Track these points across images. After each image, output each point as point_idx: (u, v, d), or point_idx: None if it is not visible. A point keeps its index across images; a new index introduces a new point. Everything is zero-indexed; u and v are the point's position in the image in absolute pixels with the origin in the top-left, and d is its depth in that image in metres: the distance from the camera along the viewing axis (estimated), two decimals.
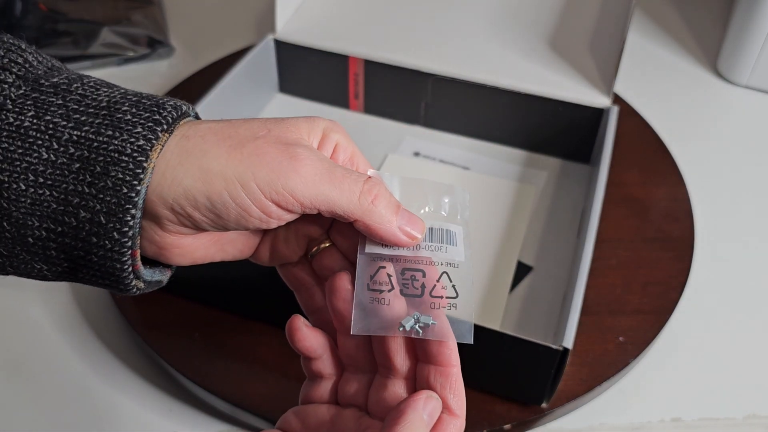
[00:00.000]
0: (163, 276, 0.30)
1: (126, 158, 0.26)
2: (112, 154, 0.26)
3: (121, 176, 0.26)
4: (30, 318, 0.53)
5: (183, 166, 0.26)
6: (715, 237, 0.58)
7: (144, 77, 0.74)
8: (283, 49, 0.65)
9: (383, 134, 0.65)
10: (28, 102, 0.26)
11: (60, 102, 0.26)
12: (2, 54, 0.27)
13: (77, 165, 0.26)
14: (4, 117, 0.26)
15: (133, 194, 0.26)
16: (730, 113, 0.72)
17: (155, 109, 0.27)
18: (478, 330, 0.41)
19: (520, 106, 0.60)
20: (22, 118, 0.26)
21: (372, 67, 0.63)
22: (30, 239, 0.27)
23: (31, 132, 0.26)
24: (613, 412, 0.48)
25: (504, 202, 0.58)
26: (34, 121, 0.26)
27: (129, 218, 0.26)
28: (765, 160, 0.66)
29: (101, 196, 0.26)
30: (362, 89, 0.65)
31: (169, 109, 0.27)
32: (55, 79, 0.27)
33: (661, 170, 0.62)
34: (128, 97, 0.27)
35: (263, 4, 0.84)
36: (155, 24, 0.77)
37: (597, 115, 0.58)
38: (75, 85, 0.27)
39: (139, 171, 0.26)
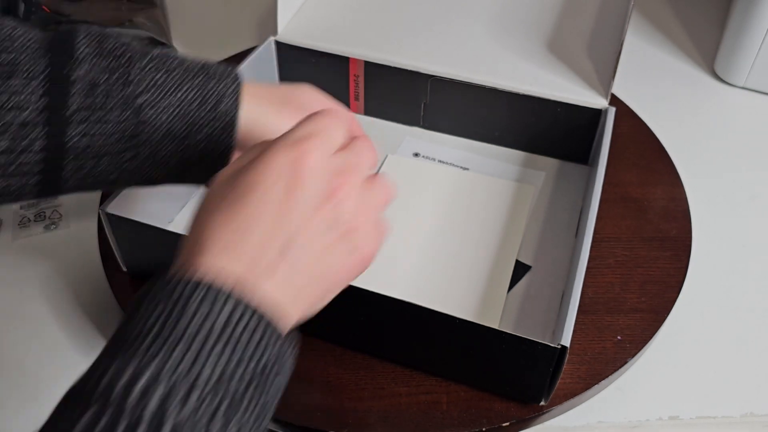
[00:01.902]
0: None
1: (228, 97, 0.41)
2: (220, 94, 0.40)
3: (227, 107, 0.40)
4: (31, 317, 0.54)
5: (252, 122, 0.42)
6: (712, 236, 0.59)
7: None
8: (284, 50, 0.65)
9: (383, 135, 0.65)
10: (157, 66, 0.39)
11: (174, 66, 0.40)
12: (116, 38, 0.39)
13: (197, 102, 0.40)
14: (147, 77, 0.38)
15: (236, 117, 0.41)
16: (727, 114, 0.72)
17: (231, 70, 0.42)
18: (477, 328, 0.42)
19: (518, 107, 0.60)
20: (158, 76, 0.39)
21: (372, 68, 0.63)
22: (160, 155, 0.40)
23: (167, 85, 0.39)
24: (611, 410, 0.48)
25: (503, 202, 0.59)
26: (166, 77, 0.39)
27: (234, 132, 0.41)
28: (762, 160, 0.66)
29: (216, 119, 0.40)
30: (362, 90, 0.65)
31: (237, 72, 0.42)
32: (157, 51, 0.40)
33: (658, 170, 0.62)
34: (207, 62, 0.42)
35: (264, 6, 0.84)
36: (158, 26, 0.77)
37: (595, 116, 0.58)
38: (170, 56, 0.40)
39: (236, 105, 0.41)
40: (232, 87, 0.41)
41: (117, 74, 0.37)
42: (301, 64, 0.66)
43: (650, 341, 0.49)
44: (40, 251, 0.58)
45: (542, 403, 0.45)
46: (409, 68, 0.61)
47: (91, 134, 0.37)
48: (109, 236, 0.51)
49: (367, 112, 0.67)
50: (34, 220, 0.61)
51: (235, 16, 0.84)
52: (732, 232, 0.60)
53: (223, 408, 0.27)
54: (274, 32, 0.65)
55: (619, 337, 0.49)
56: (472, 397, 0.46)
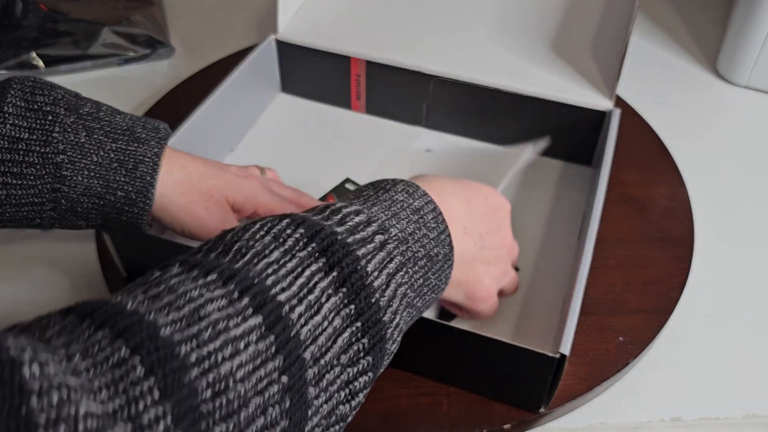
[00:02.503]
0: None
1: (148, 159, 0.43)
2: (139, 157, 0.43)
3: (145, 170, 0.43)
4: (29, 317, 0.53)
5: (164, 201, 0.45)
6: (714, 236, 0.58)
7: (144, 77, 0.74)
8: (285, 49, 0.65)
9: (384, 135, 0.65)
10: (80, 127, 0.42)
11: (98, 126, 0.42)
12: (49, 93, 0.41)
13: (115, 164, 0.42)
14: (68, 138, 0.41)
15: (153, 180, 0.43)
16: (729, 113, 0.72)
17: (156, 129, 0.45)
18: (475, 337, 0.42)
19: (522, 108, 0.60)
20: (80, 137, 0.41)
21: (374, 68, 0.63)
22: (79, 209, 0.42)
23: (86, 146, 0.42)
24: (613, 411, 0.48)
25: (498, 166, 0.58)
26: (88, 139, 0.42)
27: (150, 195, 0.43)
28: (764, 159, 0.66)
29: (133, 182, 0.43)
30: (364, 90, 0.65)
31: (163, 130, 0.45)
32: (87, 109, 0.43)
33: (660, 170, 0.62)
34: (135, 121, 0.44)
35: (263, 4, 0.84)
36: (156, 24, 0.77)
37: (599, 117, 0.58)
38: (100, 113, 0.43)
39: (156, 167, 0.43)
40: (154, 151, 0.43)
41: (38, 133, 0.40)
42: (302, 64, 0.66)
43: (652, 342, 0.49)
44: (39, 253, 0.58)
45: (541, 410, 0.45)
46: (412, 68, 0.61)
47: (9, 185, 0.40)
48: (107, 242, 0.51)
49: (369, 111, 0.67)
50: None
51: (235, 13, 0.84)
52: (734, 231, 0.59)
53: (398, 260, 0.33)
54: (275, 30, 0.64)
55: (621, 338, 0.49)
56: (473, 399, 0.46)
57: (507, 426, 0.45)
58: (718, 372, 0.50)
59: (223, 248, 0.30)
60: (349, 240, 0.31)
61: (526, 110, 0.60)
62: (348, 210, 0.34)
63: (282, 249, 0.30)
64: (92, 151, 0.41)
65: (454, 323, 0.42)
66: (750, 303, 0.54)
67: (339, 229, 0.32)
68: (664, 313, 0.51)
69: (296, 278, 0.29)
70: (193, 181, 0.46)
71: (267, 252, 0.29)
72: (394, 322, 0.32)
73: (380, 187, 0.38)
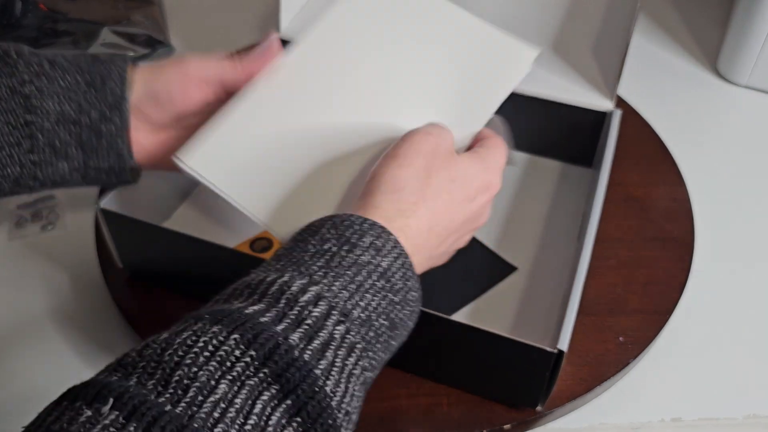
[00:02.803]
0: (139, 170, 0.45)
1: (114, 74, 0.42)
2: (105, 73, 0.42)
3: (113, 84, 0.42)
4: (28, 317, 0.53)
5: (145, 81, 0.43)
6: (715, 237, 0.58)
7: None
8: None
9: None
10: (43, 60, 0.41)
11: (61, 57, 0.42)
12: (8, 45, 0.41)
13: (83, 86, 0.41)
14: (32, 69, 0.40)
15: (123, 92, 0.42)
16: (730, 113, 0.72)
17: (119, 55, 0.44)
18: (472, 330, 0.41)
19: (523, 108, 0.60)
20: (44, 67, 0.41)
21: None
22: (57, 143, 0.41)
23: (51, 74, 0.41)
24: (613, 411, 0.48)
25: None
26: (51, 67, 0.41)
27: (124, 108, 0.42)
28: (765, 159, 0.66)
29: (104, 98, 0.42)
30: None
31: (126, 56, 0.44)
32: (48, 50, 0.43)
33: (661, 170, 0.62)
34: (101, 54, 0.44)
35: (262, 4, 0.84)
36: (155, 24, 0.77)
37: (600, 118, 0.58)
38: (66, 54, 0.43)
39: (124, 79, 0.42)
40: (120, 66, 0.42)
41: (3, 69, 0.39)
42: None
43: (653, 342, 0.49)
44: (37, 251, 0.58)
45: (538, 408, 0.45)
46: None
47: None
48: (105, 233, 0.51)
49: None
50: (31, 221, 0.60)
51: (236, 12, 0.84)
52: (735, 232, 0.59)
53: (359, 348, 0.31)
54: (277, 29, 0.64)
55: (621, 338, 0.49)
56: (473, 399, 0.46)
57: (507, 426, 0.45)
58: (718, 372, 0.50)
59: (161, 375, 0.26)
60: (307, 356, 0.28)
61: (526, 110, 0.60)
62: (306, 298, 0.30)
63: (229, 377, 0.26)
64: (58, 76, 0.41)
65: (453, 317, 0.42)
66: (750, 303, 0.54)
67: (294, 338, 0.29)
68: (665, 314, 0.50)
69: (247, 417, 0.26)
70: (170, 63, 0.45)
71: (213, 384, 0.26)
72: (349, 421, 0.30)
73: (345, 239, 0.34)
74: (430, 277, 0.53)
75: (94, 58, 0.43)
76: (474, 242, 0.55)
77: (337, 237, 0.34)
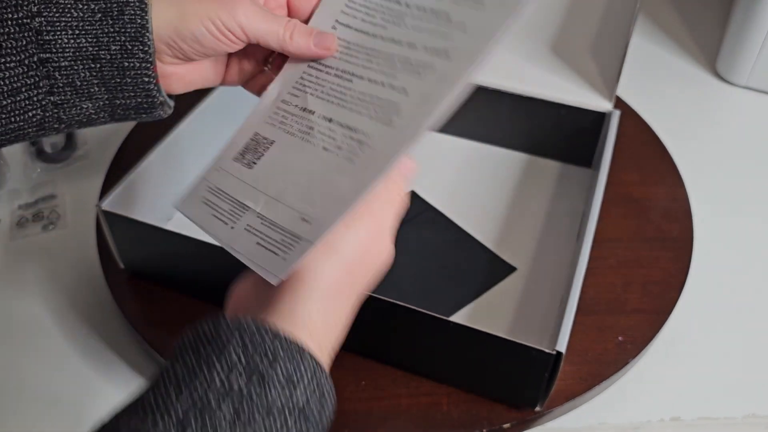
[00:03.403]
0: (170, 102, 0.41)
1: (131, 3, 0.37)
2: (122, 2, 0.37)
3: (132, 12, 0.37)
4: (29, 317, 0.53)
5: (171, 13, 0.37)
6: (713, 237, 0.58)
7: None
8: None
9: None
10: None
11: None
12: None
13: (99, 15, 0.36)
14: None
15: (145, 22, 0.37)
16: (729, 113, 0.72)
17: None
18: (471, 332, 0.42)
19: (522, 109, 0.60)
20: None
21: None
22: (77, 81, 0.37)
23: (61, 3, 0.36)
24: (612, 411, 0.48)
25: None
26: None
27: (147, 39, 0.37)
28: (763, 159, 0.66)
29: (123, 29, 0.37)
30: None
31: None
32: None
33: (660, 170, 0.62)
34: None
35: None
36: None
37: (599, 119, 0.58)
38: None
39: (144, 5, 0.37)
40: None
41: (7, 3, 0.36)
42: None
43: (652, 342, 0.49)
44: (38, 251, 0.58)
45: (537, 408, 0.45)
46: None
47: None
48: (106, 233, 0.51)
49: None
50: (32, 220, 0.61)
51: None
52: (734, 232, 0.60)
53: None
54: None
55: (620, 338, 0.49)
56: (473, 399, 0.46)
57: (506, 425, 0.45)
58: (717, 372, 0.50)
59: None
60: None
61: (526, 111, 0.60)
62: None
63: None
64: (70, 5, 0.36)
65: (452, 317, 0.42)
66: (749, 303, 0.54)
67: None
68: (664, 313, 0.51)
69: None
70: None
71: None
72: None
73: (255, 367, 0.29)
74: (430, 278, 0.53)
75: None
76: (473, 242, 0.56)
77: (246, 365, 0.29)
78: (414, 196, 0.59)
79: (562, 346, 0.41)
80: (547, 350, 0.40)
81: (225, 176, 0.41)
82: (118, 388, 0.49)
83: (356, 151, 0.37)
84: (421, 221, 0.57)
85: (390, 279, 0.52)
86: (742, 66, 0.72)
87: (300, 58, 0.41)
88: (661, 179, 0.61)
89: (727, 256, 0.58)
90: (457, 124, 0.64)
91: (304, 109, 0.40)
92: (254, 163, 0.40)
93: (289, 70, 0.42)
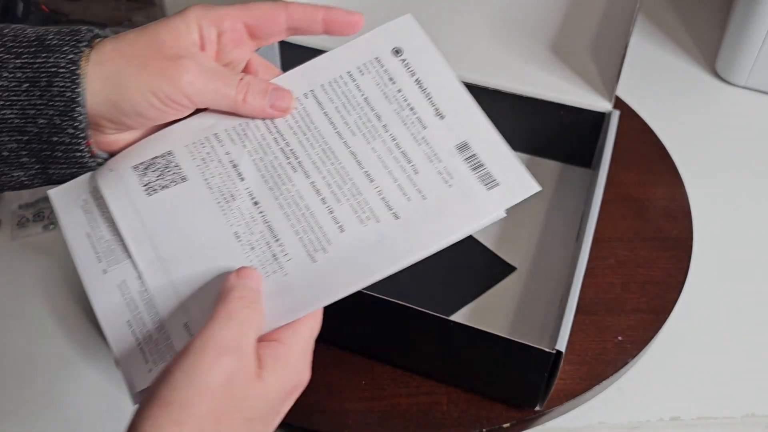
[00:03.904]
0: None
1: (63, 70, 0.33)
2: (51, 69, 0.33)
3: (62, 84, 0.33)
4: (30, 317, 0.53)
5: (108, 88, 0.34)
6: (713, 236, 0.58)
7: None
8: (287, 49, 0.65)
9: None
10: None
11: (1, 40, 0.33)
12: None
13: (26, 85, 0.33)
14: None
15: (76, 95, 0.33)
16: (728, 114, 0.72)
17: (74, 33, 0.34)
18: (471, 331, 0.42)
19: (521, 109, 0.60)
20: None
21: None
22: (4, 152, 0.34)
23: None
24: (612, 411, 0.48)
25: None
26: None
27: (77, 114, 0.33)
28: (763, 160, 0.66)
29: (51, 103, 0.33)
30: None
31: (84, 32, 0.34)
32: None
33: (659, 170, 0.62)
34: (50, 30, 0.34)
35: None
36: None
37: (598, 119, 0.58)
38: (5, 30, 0.34)
39: (76, 77, 0.33)
40: (70, 56, 0.33)
41: None
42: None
43: (651, 342, 0.49)
44: (39, 251, 0.58)
45: (537, 408, 0.45)
46: None
47: None
48: None
49: None
50: (33, 220, 0.61)
51: None
52: (733, 231, 0.60)
53: None
54: None
55: (620, 338, 0.49)
56: (473, 398, 0.46)
57: (506, 425, 0.45)
58: (717, 371, 0.50)
59: None
60: None
61: (525, 111, 0.60)
62: None
63: None
64: None
65: (452, 317, 0.42)
66: (748, 303, 0.55)
67: None
68: (663, 313, 0.51)
69: None
70: (148, 44, 0.34)
71: None
72: None
73: None
74: (430, 278, 0.53)
75: (39, 38, 0.34)
76: (473, 242, 0.56)
77: None
78: None
79: (561, 345, 0.41)
80: (546, 350, 0.41)
81: (115, 182, 0.35)
82: (119, 388, 0.49)
83: (267, 267, 0.32)
84: None
85: (390, 279, 0.52)
86: (741, 66, 0.72)
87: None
88: (660, 179, 0.61)
89: (726, 255, 0.58)
90: None
91: (235, 166, 0.35)
92: (155, 190, 0.34)
93: None
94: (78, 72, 0.33)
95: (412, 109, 0.35)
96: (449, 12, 0.67)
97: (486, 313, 0.51)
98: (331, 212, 0.33)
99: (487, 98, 0.60)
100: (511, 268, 0.54)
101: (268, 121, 0.36)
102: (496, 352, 0.42)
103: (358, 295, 0.43)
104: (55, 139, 0.34)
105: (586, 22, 0.64)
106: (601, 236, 0.54)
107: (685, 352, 0.51)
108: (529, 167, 0.61)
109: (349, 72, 0.37)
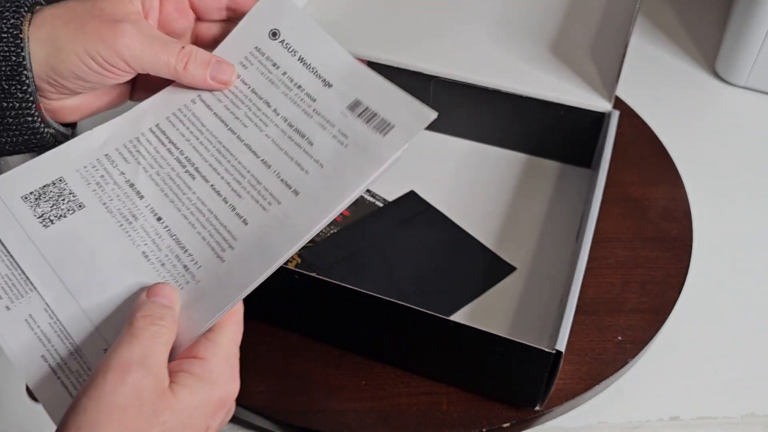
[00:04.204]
0: (67, 131, 0.38)
1: (5, 35, 0.33)
2: None
3: (6, 49, 0.33)
4: None
5: (45, 50, 0.34)
6: (712, 236, 0.59)
7: None
8: None
9: None
10: None
11: None
12: None
13: None
14: None
15: (21, 59, 0.33)
16: (728, 114, 0.72)
17: (14, 0, 0.34)
18: (471, 331, 0.42)
19: (521, 109, 0.60)
20: None
21: (375, 68, 0.62)
22: None
23: None
24: (611, 410, 0.48)
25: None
26: None
27: (25, 78, 0.34)
28: (762, 159, 0.66)
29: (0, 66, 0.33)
30: None
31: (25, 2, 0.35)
32: None
33: (659, 170, 0.62)
34: None
35: None
36: None
37: (598, 119, 0.58)
38: None
39: (19, 41, 0.33)
40: (11, 22, 0.34)
41: None
42: None
43: (651, 342, 0.50)
44: None
45: (537, 408, 0.45)
46: (412, 68, 0.61)
47: None
48: None
49: None
50: None
51: None
52: (733, 231, 0.60)
53: None
54: None
55: (619, 338, 0.49)
56: (473, 398, 0.46)
57: (506, 425, 0.45)
58: (716, 371, 0.50)
59: None
60: None
61: (525, 111, 0.60)
62: None
63: None
64: None
65: (452, 317, 0.42)
66: (748, 302, 0.55)
67: None
68: (663, 313, 0.51)
69: None
70: (86, 10, 0.34)
71: None
72: None
73: None
74: (430, 278, 0.53)
75: None
76: (473, 242, 0.56)
77: None
78: (414, 196, 0.59)
79: (561, 345, 0.41)
80: (546, 349, 0.41)
81: (5, 214, 0.33)
82: None
83: (180, 280, 0.31)
84: (421, 221, 0.57)
85: (390, 279, 0.53)
86: (741, 66, 0.72)
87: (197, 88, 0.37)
88: (660, 179, 0.61)
89: (726, 255, 0.58)
90: (457, 124, 0.64)
91: (132, 186, 0.34)
92: (51, 222, 0.33)
93: (124, 121, 0.36)
94: (21, 36, 0.33)
95: (299, 87, 0.36)
96: (449, 12, 0.67)
97: (486, 313, 0.51)
98: (234, 209, 0.33)
99: (487, 98, 0.60)
100: (511, 268, 0.54)
101: (159, 133, 0.36)
102: (496, 352, 0.42)
103: (358, 295, 0.43)
104: (4, 104, 0.34)
105: (586, 22, 0.64)
106: (601, 236, 0.54)
107: (685, 352, 0.51)
108: (529, 167, 0.62)
109: None
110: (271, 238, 0.32)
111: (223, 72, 0.37)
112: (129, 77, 0.36)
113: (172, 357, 0.31)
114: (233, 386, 0.32)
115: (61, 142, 0.36)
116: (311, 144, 0.34)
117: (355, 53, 0.63)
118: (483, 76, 0.60)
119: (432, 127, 0.65)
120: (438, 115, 0.67)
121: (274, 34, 0.37)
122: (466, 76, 0.60)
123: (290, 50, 0.37)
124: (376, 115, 0.34)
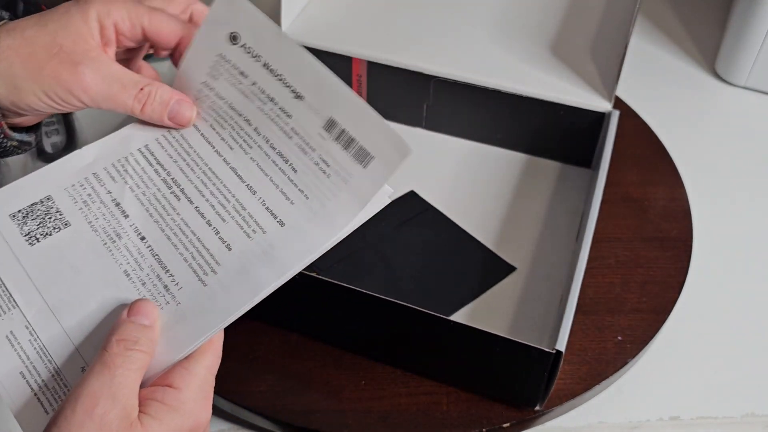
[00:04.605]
0: (29, 138, 0.39)
1: None
2: None
3: None
4: None
5: (4, 87, 0.34)
6: (712, 236, 0.59)
7: None
8: None
9: None
10: None
11: None
12: None
13: None
14: None
15: None
16: (728, 114, 0.72)
17: None
18: (471, 331, 0.42)
19: (521, 109, 0.60)
20: None
21: (375, 68, 0.63)
22: None
23: None
24: (611, 410, 0.48)
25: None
26: None
27: None
28: (762, 159, 0.66)
29: None
30: (365, 91, 0.65)
31: None
32: None
33: (659, 170, 0.62)
34: None
35: (265, 4, 0.84)
36: None
37: (598, 119, 0.58)
38: None
39: None
40: None
41: None
42: None
43: (651, 341, 0.50)
44: None
45: (537, 408, 0.45)
46: (412, 68, 0.61)
47: None
48: None
49: None
50: None
51: None
52: (733, 231, 0.60)
53: None
54: None
55: (619, 338, 0.49)
56: (473, 398, 0.46)
57: (506, 425, 0.45)
58: (716, 371, 0.50)
59: None
60: None
61: (525, 111, 0.60)
62: None
63: None
64: None
65: (452, 317, 0.42)
66: (748, 302, 0.55)
67: None
68: (663, 313, 0.51)
69: None
70: (44, 47, 0.34)
71: None
72: None
73: None
74: (430, 278, 0.53)
75: None
76: (473, 242, 0.56)
77: None
78: (414, 196, 0.59)
79: (561, 345, 0.41)
80: (546, 349, 0.41)
81: None
82: None
83: (159, 300, 0.31)
84: (421, 221, 0.57)
85: (390, 279, 0.53)
86: (741, 66, 0.72)
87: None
88: (660, 179, 0.61)
89: (726, 255, 0.58)
90: (457, 124, 0.64)
91: (118, 205, 0.34)
92: (37, 240, 0.33)
93: (112, 141, 0.36)
94: None
95: (272, 100, 0.35)
96: (449, 12, 0.67)
97: (486, 313, 0.51)
98: (218, 233, 0.33)
99: (487, 98, 0.60)
100: (511, 268, 0.54)
101: (147, 154, 0.36)
102: (496, 352, 0.42)
103: (358, 295, 0.43)
104: None
105: (586, 22, 0.64)
106: (601, 236, 0.54)
107: (685, 352, 0.51)
108: (529, 167, 0.62)
109: (204, 82, 0.37)
110: (256, 268, 0.32)
111: (180, 114, 0.37)
112: (89, 108, 0.37)
113: (145, 382, 0.30)
114: (204, 415, 0.32)
115: (24, 150, 0.38)
116: (295, 171, 0.34)
117: (355, 53, 0.63)
118: (483, 76, 0.60)
119: (432, 127, 0.65)
120: (437, 115, 0.68)
121: (234, 38, 0.36)
122: (466, 76, 0.60)
123: (253, 55, 0.35)
124: (353, 140, 0.33)
